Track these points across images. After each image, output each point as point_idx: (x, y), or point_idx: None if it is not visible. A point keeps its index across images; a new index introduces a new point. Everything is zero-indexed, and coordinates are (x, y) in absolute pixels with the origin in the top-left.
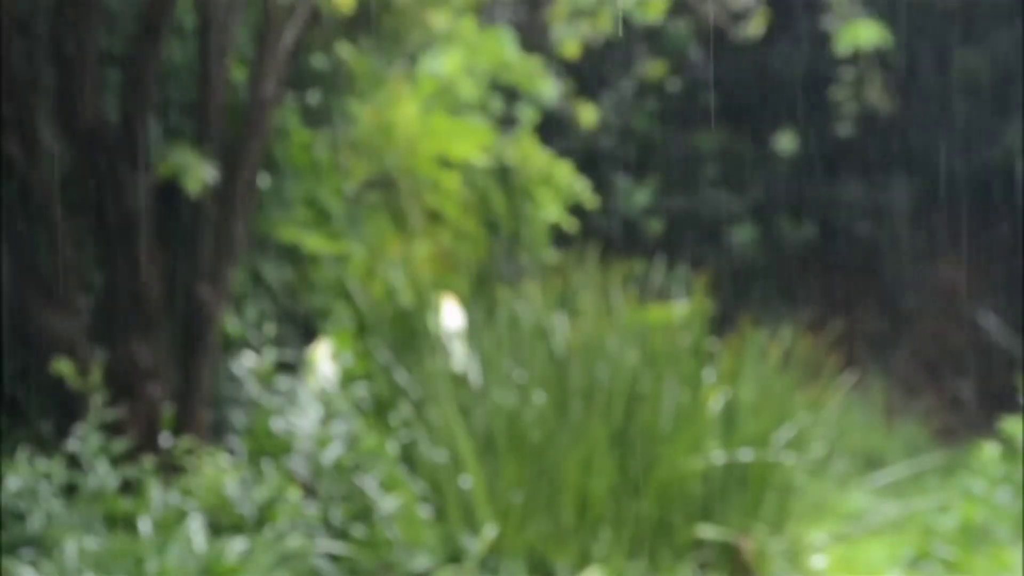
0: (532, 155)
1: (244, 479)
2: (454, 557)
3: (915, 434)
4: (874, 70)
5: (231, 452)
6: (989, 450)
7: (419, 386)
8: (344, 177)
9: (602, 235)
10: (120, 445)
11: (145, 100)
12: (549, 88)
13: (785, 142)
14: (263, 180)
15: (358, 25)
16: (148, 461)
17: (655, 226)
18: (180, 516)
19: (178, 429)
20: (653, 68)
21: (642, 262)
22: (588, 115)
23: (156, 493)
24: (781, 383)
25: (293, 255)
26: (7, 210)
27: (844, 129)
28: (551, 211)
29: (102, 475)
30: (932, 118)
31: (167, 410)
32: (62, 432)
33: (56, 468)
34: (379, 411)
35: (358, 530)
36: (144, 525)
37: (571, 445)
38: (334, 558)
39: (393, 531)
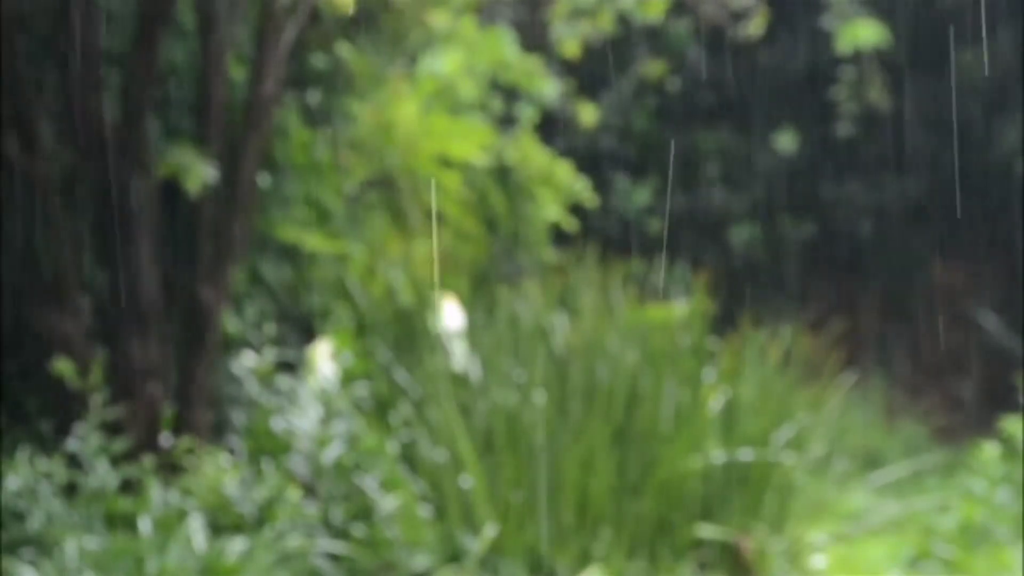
0: (532, 155)
1: (244, 479)
2: (454, 557)
3: (915, 434)
4: (874, 70)
5: (231, 452)
6: (989, 450)
7: (419, 386)
8: (344, 177)
9: (602, 235)
10: (120, 445)
11: (145, 100)
12: (549, 88)
13: (785, 142)
14: (263, 180)
15: (358, 25)
16: (148, 461)
17: (655, 226)
18: (180, 516)
19: (178, 429)
20: (653, 68)
21: (642, 262)
22: (588, 115)
23: (156, 493)
24: (781, 383)
25: (293, 255)
26: (7, 210)
27: (844, 129)
28: (551, 211)
29: (102, 475)
30: (932, 118)
31: (167, 410)
32: (62, 432)
33: (56, 468)
34: (379, 411)
35: (358, 530)
36: (144, 525)
37: (571, 445)
38: (334, 558)
39: (393, 531)
